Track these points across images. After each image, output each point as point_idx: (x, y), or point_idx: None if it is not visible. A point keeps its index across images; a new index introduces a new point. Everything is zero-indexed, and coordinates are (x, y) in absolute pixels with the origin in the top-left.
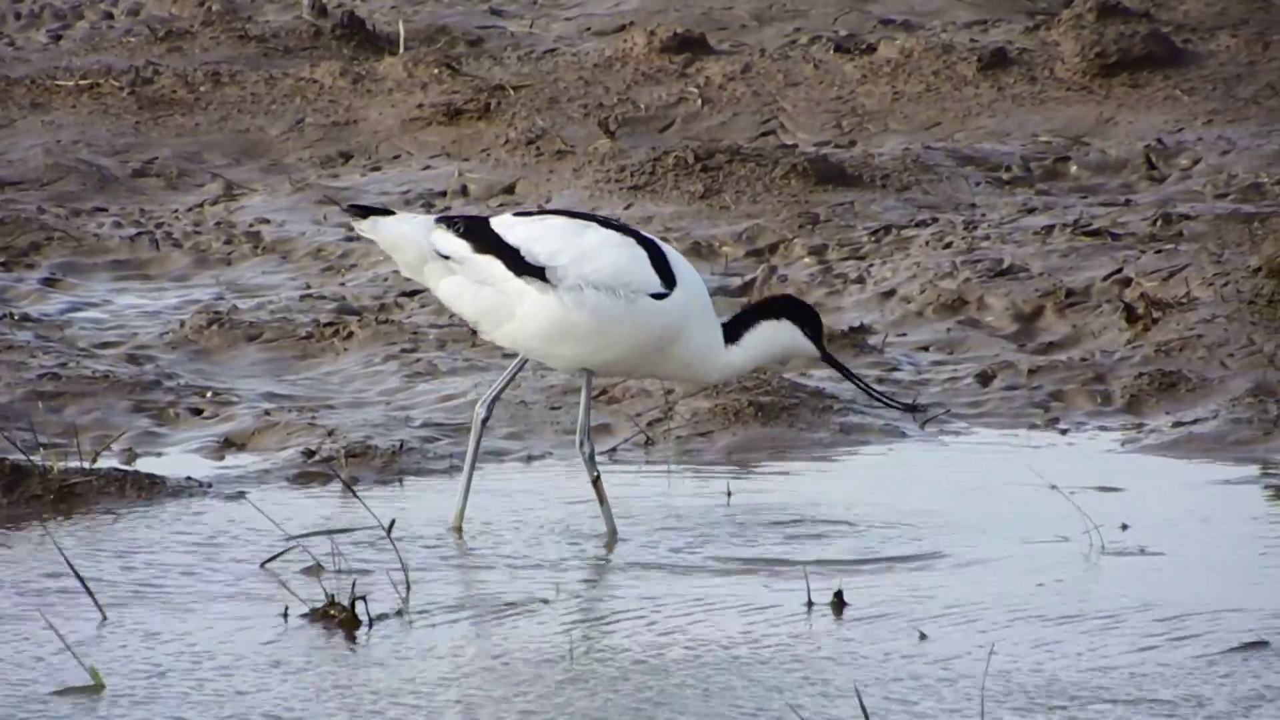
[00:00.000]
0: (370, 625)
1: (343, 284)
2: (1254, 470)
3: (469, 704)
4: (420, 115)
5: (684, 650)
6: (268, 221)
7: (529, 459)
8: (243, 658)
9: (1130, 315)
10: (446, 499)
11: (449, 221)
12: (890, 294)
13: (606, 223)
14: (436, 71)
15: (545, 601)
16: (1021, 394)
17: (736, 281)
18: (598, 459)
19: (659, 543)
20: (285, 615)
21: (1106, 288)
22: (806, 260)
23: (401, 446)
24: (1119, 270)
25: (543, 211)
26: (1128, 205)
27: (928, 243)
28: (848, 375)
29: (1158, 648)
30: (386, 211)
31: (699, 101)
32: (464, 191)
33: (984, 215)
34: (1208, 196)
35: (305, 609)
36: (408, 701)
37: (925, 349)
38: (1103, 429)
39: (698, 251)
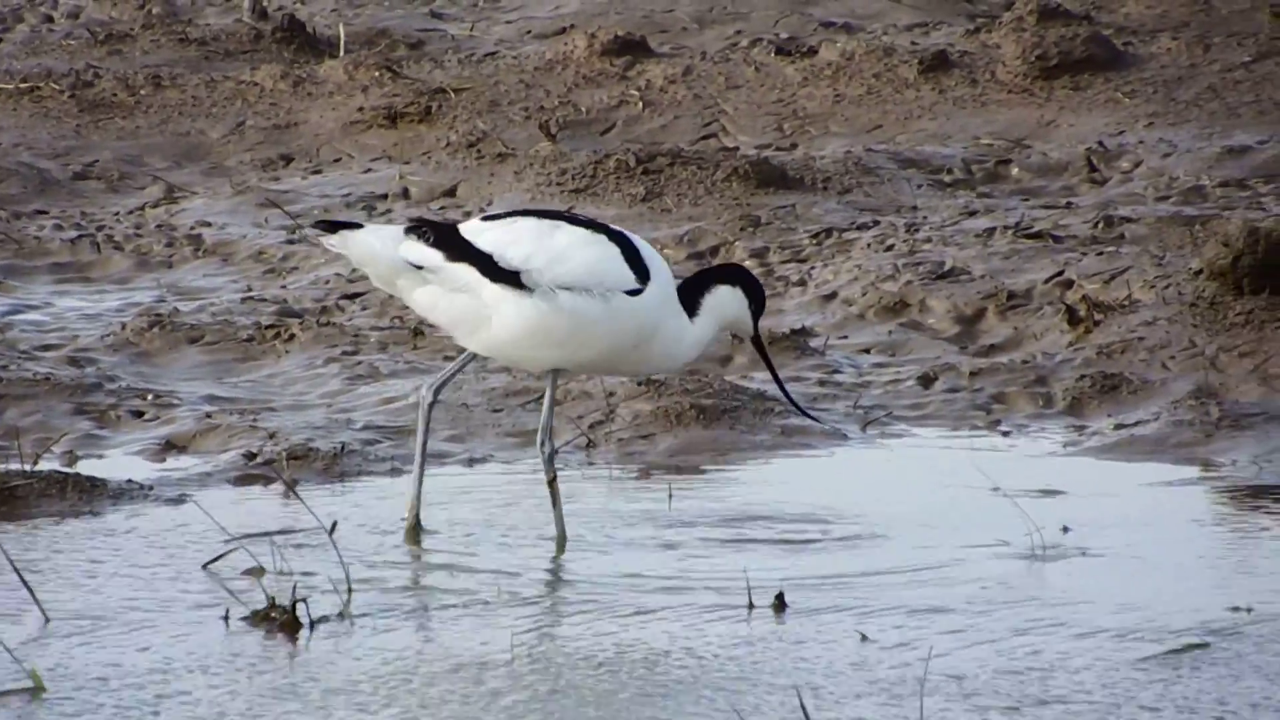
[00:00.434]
0: (311, 627)
1: (284, 286)
2: (1195, 472)
3: (410, 706)
4: (361, 118)
5: (626, 652)
6: (209, 224)
7: (470, 461)
8: (184, 660)
9: (1072, 317)
10: (388, 501)
11: (418, 231)
12: (832, 296)
13: (575, 220)
14: (377, 74)
15: (487, 603)
16: (963, 396)
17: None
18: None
19: (601, 545)
20: (226, 618)
21: (1048, 290)
22: (748, 263)
23: (343, 449)
24: (1060, 273)
25: (512, 213)
26: (1069, 208)
27: (869, 245)
28: (768, 364)
29: (1100, 649)
30: (355, 225)
31: (640, 104)
32: (405, 194)
33: (925, 218)
34: (1149, 199)
35: (246, 611)
36: (349, 703)
37: (867, 351)
38: (1044, 431)
39: None
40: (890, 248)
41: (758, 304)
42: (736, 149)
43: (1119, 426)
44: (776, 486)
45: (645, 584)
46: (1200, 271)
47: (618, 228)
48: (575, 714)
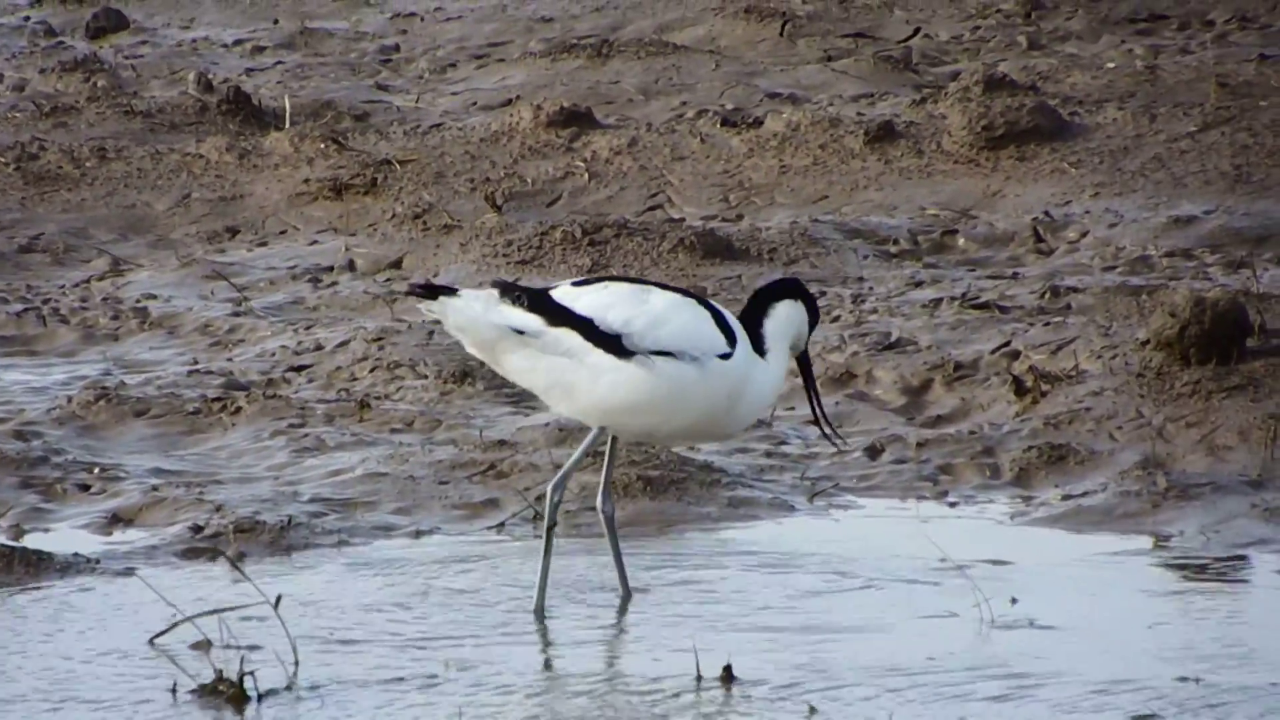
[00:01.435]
0: (259, 701)
1: (230, 359)
2: (1143, 543)
3: None
4: (307, 190)
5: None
6: (155, 297)
7: (417, 534)
8: None
9: (1018, 388)
10: (334, 574)
11: (512, 295)
12: None
13: (662, 286)
14: (323, 146)
15: (434, 676)
16: (910, 467)
17: None
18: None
19: (549, 616)
20: (174, 691)
21: (995, 360)
22: None
23: (289, 522)
24: (1007, 343)
25: (599, 279)
26: (1015, 278)
27: None
28: (808, 382)
29: None
30: (451, 290)
31: (586, 176)
32: (351, 266)
33: (871, 288)
34: (1095, 269)
35: (194, 685)
36: None
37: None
38: (991, 502)
39: None
40: (837, 319)
41: (814, 315)
42: (682, 220)
43: (1066, 497)
44: (723, 557)
45: (593, 653)
46: (1147, 342)
47: (700, 294)
48: None
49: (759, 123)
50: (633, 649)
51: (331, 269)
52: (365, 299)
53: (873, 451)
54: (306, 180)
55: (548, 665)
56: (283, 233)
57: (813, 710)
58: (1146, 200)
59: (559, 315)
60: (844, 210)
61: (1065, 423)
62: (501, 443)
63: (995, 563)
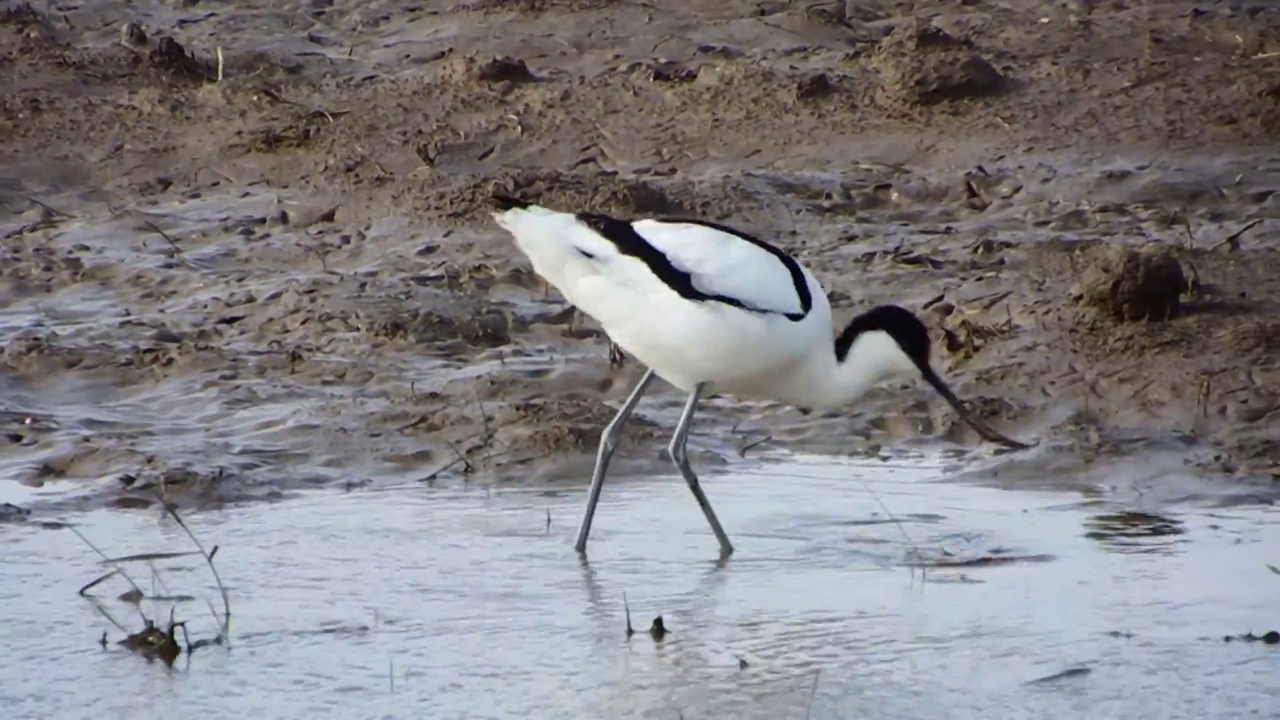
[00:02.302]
0: (189, 651)
1: (162, 311)
2: (1076, 498)
3: None
4: (239, 142)
5: (503, 675)
6: (87, 248)
7: (348, 486)
8: (61, 684)
9: (952, 343)
10: (267, 524)
11: (590, 219)
12: None
13: (748, 238)
14: (255, 99)
15: (365, 628)
16: (843, 422)
17: (556, 309)
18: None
19: (480, 569)
20: (104, 642)
21: (928, 315)
22: None
23: (221, 473)
24: (940, 298)
25: (687, 220)
26: (949, 233)
27: None
28: (948, 396)
29: (982, 674)
30: (524, 204)
31: (519, 129)
32: (283, 219)
33: (805, 243)
34: (1029, 224)
35: (124, 635)
36: None
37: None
38: (924, 457)
39: (518, 279)
40: None
41: (912, 343)
42: (615, 173)
43: (999, 452)
44: (656, 512)
45: (523, 605)
46: (1080, 297)
47: (786, 253)
48: None
49: (692, 76)
50: (564, 601)
51: (264, 221)
52: (297, 251)
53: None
54: (239, 132)
55: (478, 617)
56: (215, 185)
57: (743, 664)
58: (1080, 156)
59: (632, 244)
60: (777, 164)
61: (998, 378)
62: (433, 395)
63: (928, 517)
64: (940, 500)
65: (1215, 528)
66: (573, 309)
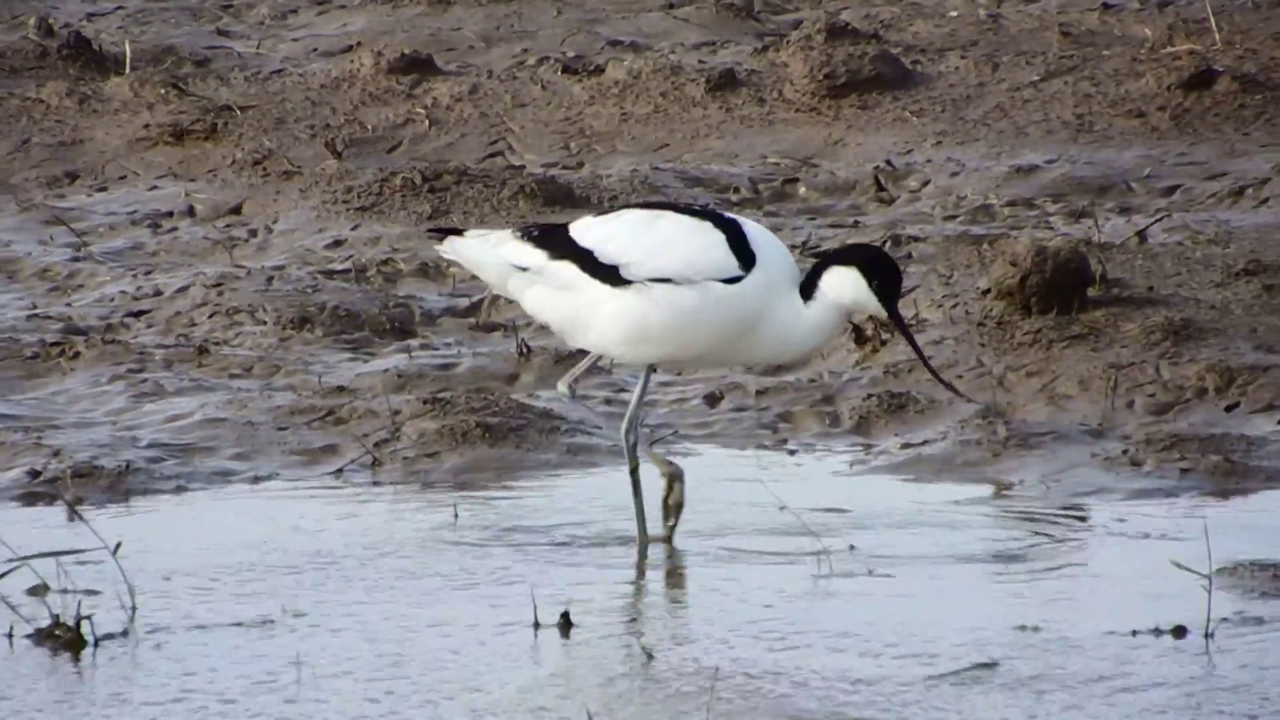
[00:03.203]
0: (96, 645)
1: (69, 304)
2: (983, 491)
3: None
4: (147, 135)
5: (408, 671)
6: None
7: (256, 479)
8: None
9: (859, 337)
10: (172, 519)
11: (525, 232)
12: None
13: (682, 209)
14: (163, 92)
15: (271, 621)
16: (750, 415)
17: (464, 302)
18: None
19: (386, 562)
20: (10, 636)
21: None
22: None
23: (128, 467)
24: None
25: (627, 206)
26: (856, 226)
27: None
28: (912, 344)
29: (888, 669)
30: (457, 231)
31: (426, 122)
32: (191, 212)
33: None
34: (937, 218)
35: (30, 630)
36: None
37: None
38: (831, 450)
39: (425, 273)
40: None
41: (881, 281)
42: (523, 167)
43: (906, 446)
44: (562, 505)
45: (429, 599)
46: (988, 291)
47: (730, 214)
48: None
49: (600, 70)
50: (471, 595)
51: (171, 215)
52: (205, 245)
53: (712, 399)
54: (147, 126)
55: (385, 610)
56: (123, 178)
57: (650, 657)
58: (989, 149)
59: (560, 248)
60: (685, 158)
61: (905, 371)
62: (340, 389)
63: (834, 511)
64: (847, 494)
65: (1123, 521)
66: (480, 302)
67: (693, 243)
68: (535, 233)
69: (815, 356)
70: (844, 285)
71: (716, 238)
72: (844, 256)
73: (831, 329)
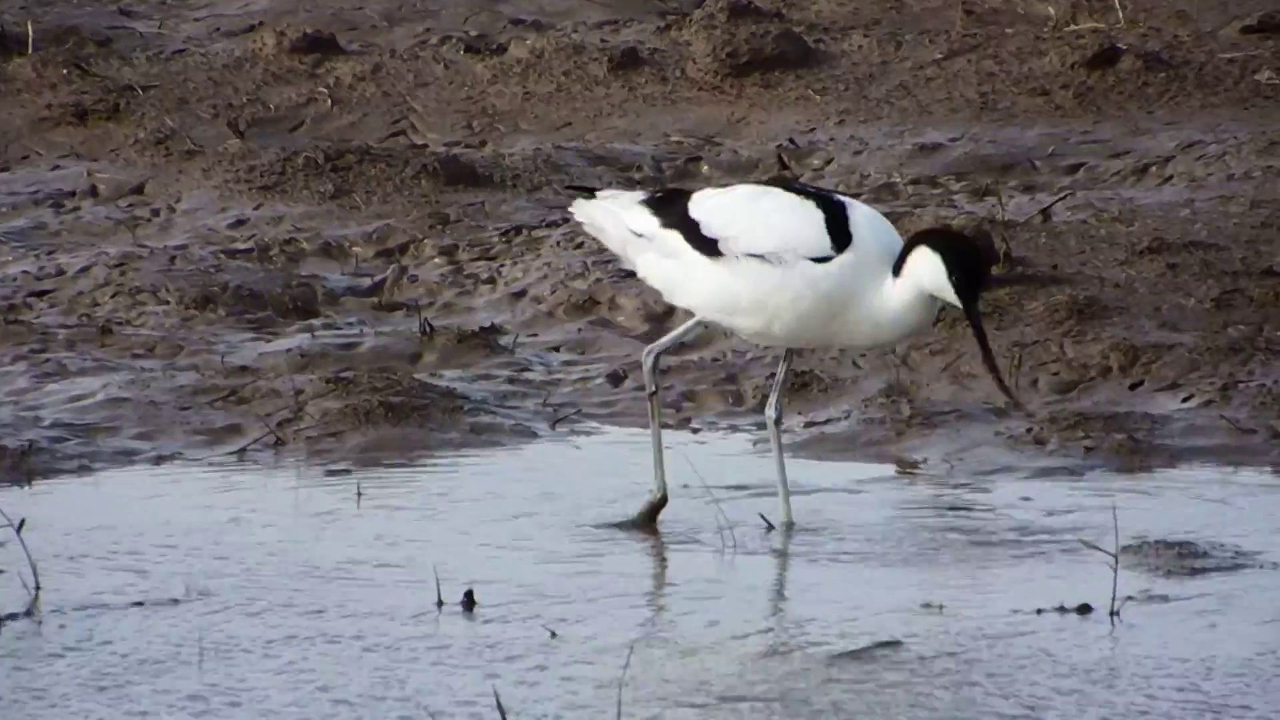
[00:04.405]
0: None
1: None
2: (887, 470)
3: (96, 703)
4: (49, 116)
5: (313, 649)
6: None
7: (159, 459)
8: None
9: None
10: (77, 498)
11: (649, 197)
12: (521, 294)
13: (792, 188)
14: (65, 72)
15: (175, 601)
16: None
17: (367, 282)
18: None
19: (290, 542)
20: None
21: None
22: (437, 260)
23: (30, 446)
24: None
25: (743, 185)
26: None
27: (559, 243)
28: (979, 339)
29: (793, 645)
30: (589, 191)
31: (329, 102)
32: (93, 192)
33: None
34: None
35: None
36: (33, 702)
37: (556, 349)
38: (735, 429)
39: (328, 252)
40: (580, 245)
41: (960, 271)
42: (426, 146)
43: (810, 424)
44: (466, 484)
45: (333, 576)
46: None
47: (842, 196)
48: (261, 713)
49: (503, 49)
50: (374, 574)
51: (74, 194)
52: (108, 224)
53: (615, 378)
54: (49, 106)
55: (288, 590)
56: (25, 158)
57: (553, 635)
58: (892, 128)
59: (673, 217)
60: (588, 137)
61: (809, 351)
62: (243, 369)
63: (739, 489)
64: (751, 473)
65: (1028, 499)
66: (383, 281)
67: (789, 221)
68: (657, 197)
69: (718, 335)
70: (924, 268)
71: (814, 217)
72: (930, 237)
73: (920, 311)
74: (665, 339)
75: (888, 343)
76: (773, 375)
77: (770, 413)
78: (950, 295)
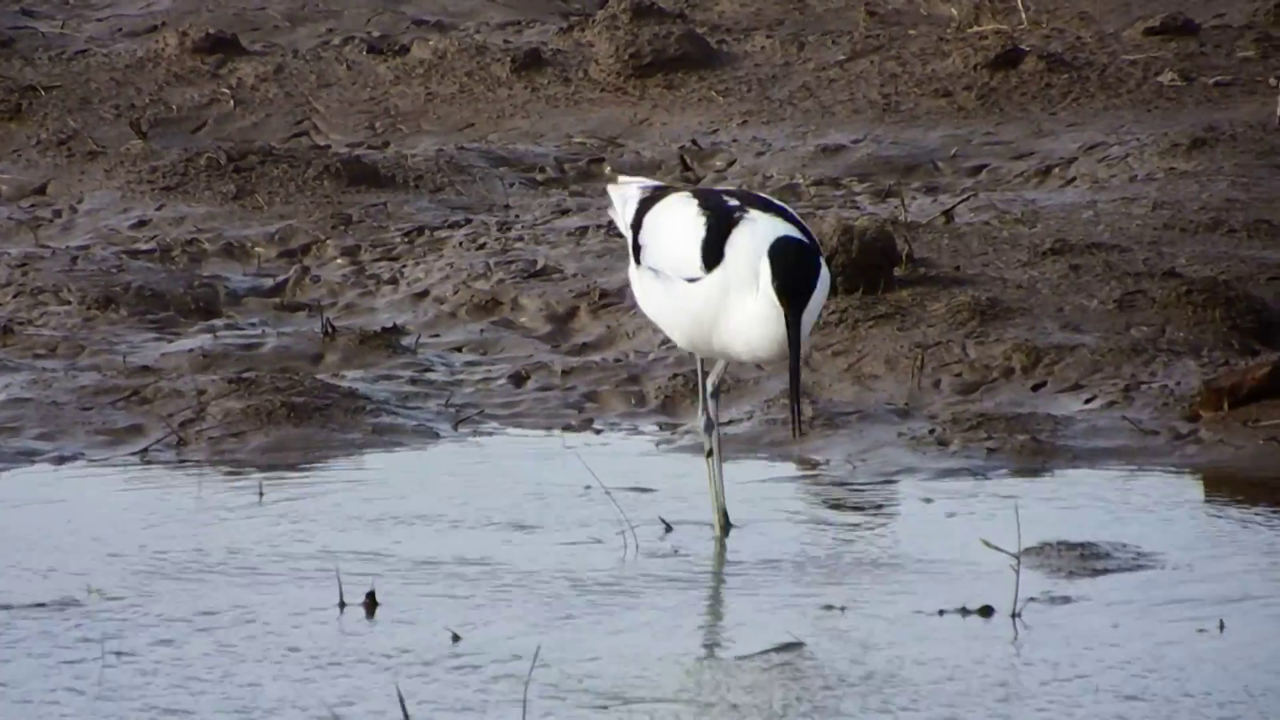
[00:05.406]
0: None
1: None
2: (790, 470)
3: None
4: None
5: (218, 652)
6: None
7: (60, 459)
8: None
9: None
10: None
11: (640, 191)
12: (424, 295)
13: (712, 195)
14: None
15: (77, 603)
16: (556, 395)
17: (269, 282)
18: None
19: (192, 543)
20: None
21: None
22: (339, 261)
23: None
24: None
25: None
26: None
27: (461, 244)
28: (794, 353)
29: (693, 646)
30: (613, 179)
31: (231, 102)
32: None
33: (518, 216)
34: None
35: None
36: None
37: (459, 350)
38: (637, 430)
39: (230, 253)
40: (483, 246)
41: (780, 277)
42: (328, 147)
43: None
44: (366, 485)
45: (236, 579)
46: None
47: (749, 212)
48: (165, 715)
49: (405, 50)
50: (276, 575)
51: None
52: (9, 225)
53: (518, 379)
54: None
55: (191, 592)
56: None
57: (456, 637)
58: (795, 129)
59: (637, 216)
60: (491, 138)
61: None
62: (145, 369)
63: (641, 490)
64: (653, 473)
65: (930, 501)
66: (285, 282)
67: (672, 241)
68: (646, 193)
69: (621, 337)
70: (765, 278)
71: (694, 238)
72: (771, 246)
73: (770, 316)
74: (712, 374)
75: (768, 357)
76: (677, 376)
77: (700, 419)
78: (780, 302)
